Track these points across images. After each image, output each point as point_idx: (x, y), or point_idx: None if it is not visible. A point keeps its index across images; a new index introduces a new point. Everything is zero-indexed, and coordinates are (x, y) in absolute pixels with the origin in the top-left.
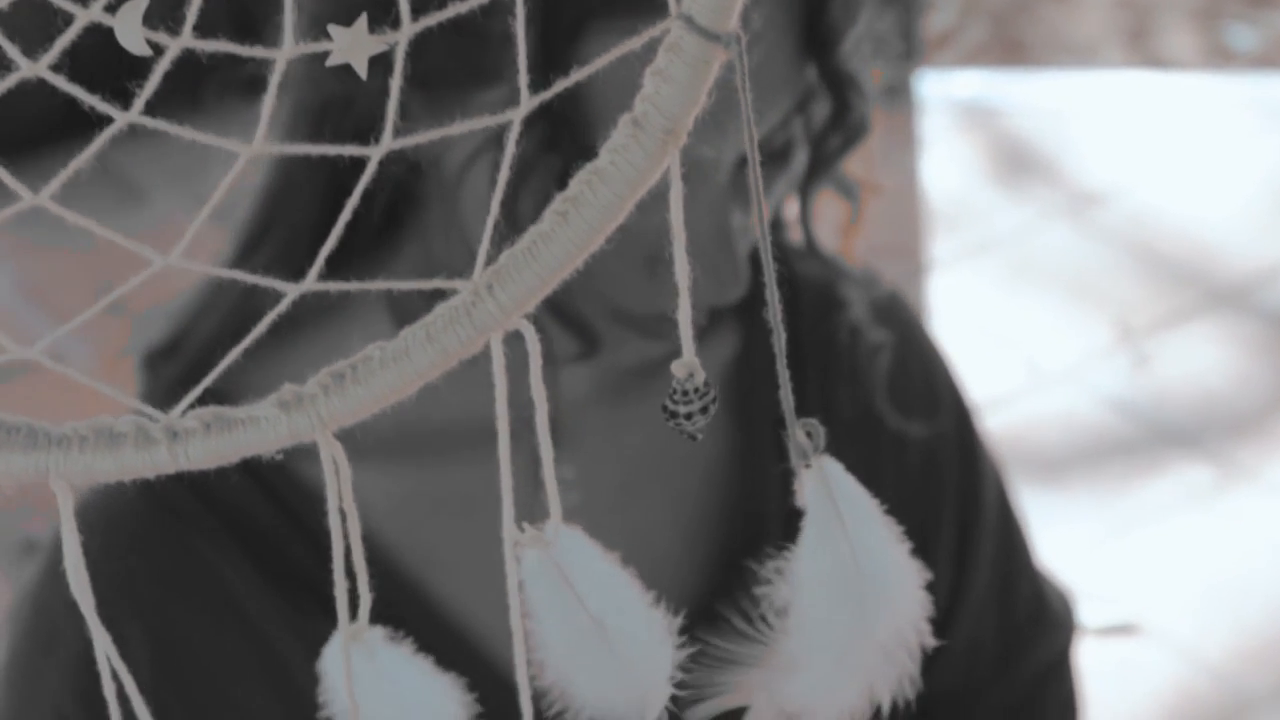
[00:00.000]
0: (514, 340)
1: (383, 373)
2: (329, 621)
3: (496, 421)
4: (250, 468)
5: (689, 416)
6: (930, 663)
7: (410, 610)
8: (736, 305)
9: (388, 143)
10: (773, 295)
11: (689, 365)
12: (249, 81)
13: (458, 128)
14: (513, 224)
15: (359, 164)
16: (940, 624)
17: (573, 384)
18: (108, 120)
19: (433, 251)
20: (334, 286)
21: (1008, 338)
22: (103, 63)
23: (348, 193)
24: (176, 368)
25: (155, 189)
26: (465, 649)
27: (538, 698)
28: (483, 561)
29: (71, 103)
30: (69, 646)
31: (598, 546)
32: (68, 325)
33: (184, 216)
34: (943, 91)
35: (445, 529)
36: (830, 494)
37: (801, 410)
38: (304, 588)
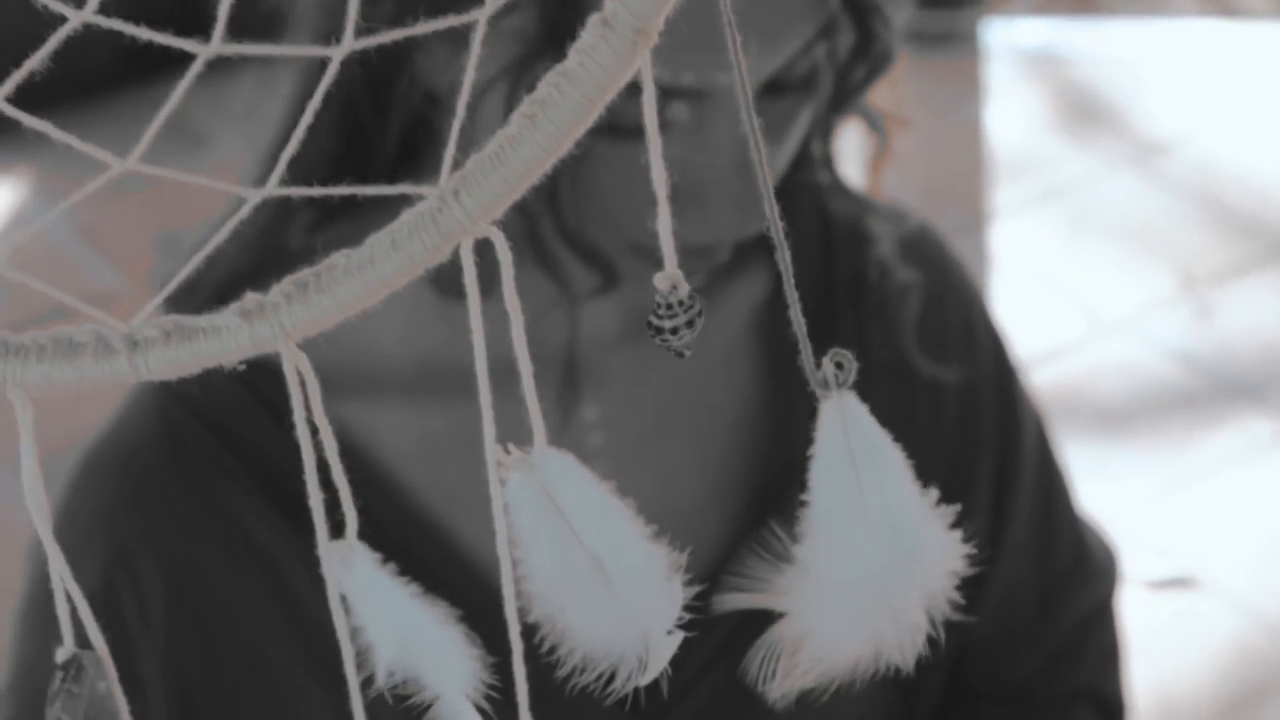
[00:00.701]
0: (531, 280)
1: (347, 281)
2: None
3: (472, 335)
4: (264, 401)
5: (675, 331)
6: (967, 611)
7: (436, 553)
8: (767, 244)
9: (348, 44)
10: (773, 213)
11: (671, 277)
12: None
13: (421, 29)
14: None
15: (377, 97)
16: (978, 572)
17: (597, 323)
18: (154, 66)
19: None
20: (295, 192)
21: (1069, 288)
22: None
23: (365, 126)
24: (194, 304)
25: (216, 133)
26: (491, 592)
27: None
28: None
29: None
30: (84, 581)
31: (589, 473)
32: None
33: (244, 158)
34: (1009, 39)
35: (471, 471)
36: (845, 431)
37: (835, 347)
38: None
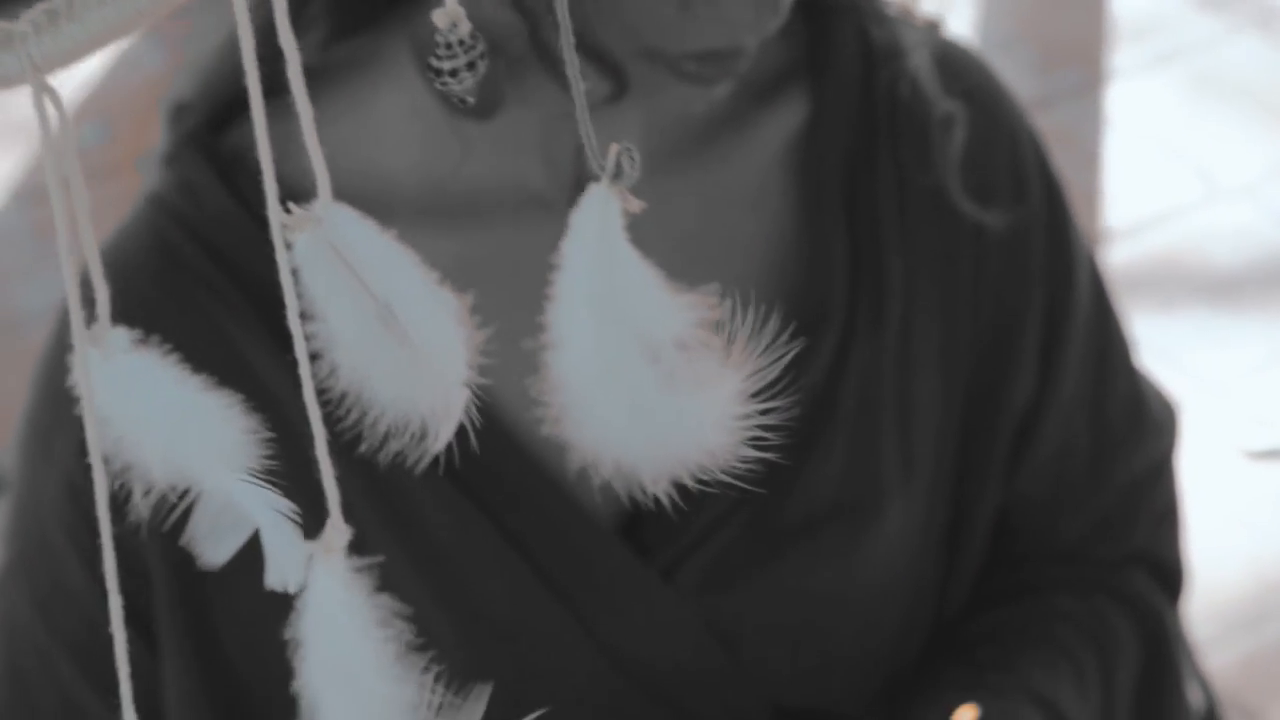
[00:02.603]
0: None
1: (100, 9)
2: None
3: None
4: (264, 223)
5: (454, 73)
6: (1018, 466)
7: None
8: (806, 68)
9: None
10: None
11: (451, 14)
12: None
13: None
14: None
15: None
16: (1029, 425)
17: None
18: None
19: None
20: None
21: (1186, 151)
22: None
23: None
24: (193, 122)
25: None
26: (491, 417)
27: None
28: (512, 324)
29: None
30: (79, 417)
31: (374, 224)
32: None
33: None
34: None
35: (480, 297)
36: (601, 228)
37: (874, 182)
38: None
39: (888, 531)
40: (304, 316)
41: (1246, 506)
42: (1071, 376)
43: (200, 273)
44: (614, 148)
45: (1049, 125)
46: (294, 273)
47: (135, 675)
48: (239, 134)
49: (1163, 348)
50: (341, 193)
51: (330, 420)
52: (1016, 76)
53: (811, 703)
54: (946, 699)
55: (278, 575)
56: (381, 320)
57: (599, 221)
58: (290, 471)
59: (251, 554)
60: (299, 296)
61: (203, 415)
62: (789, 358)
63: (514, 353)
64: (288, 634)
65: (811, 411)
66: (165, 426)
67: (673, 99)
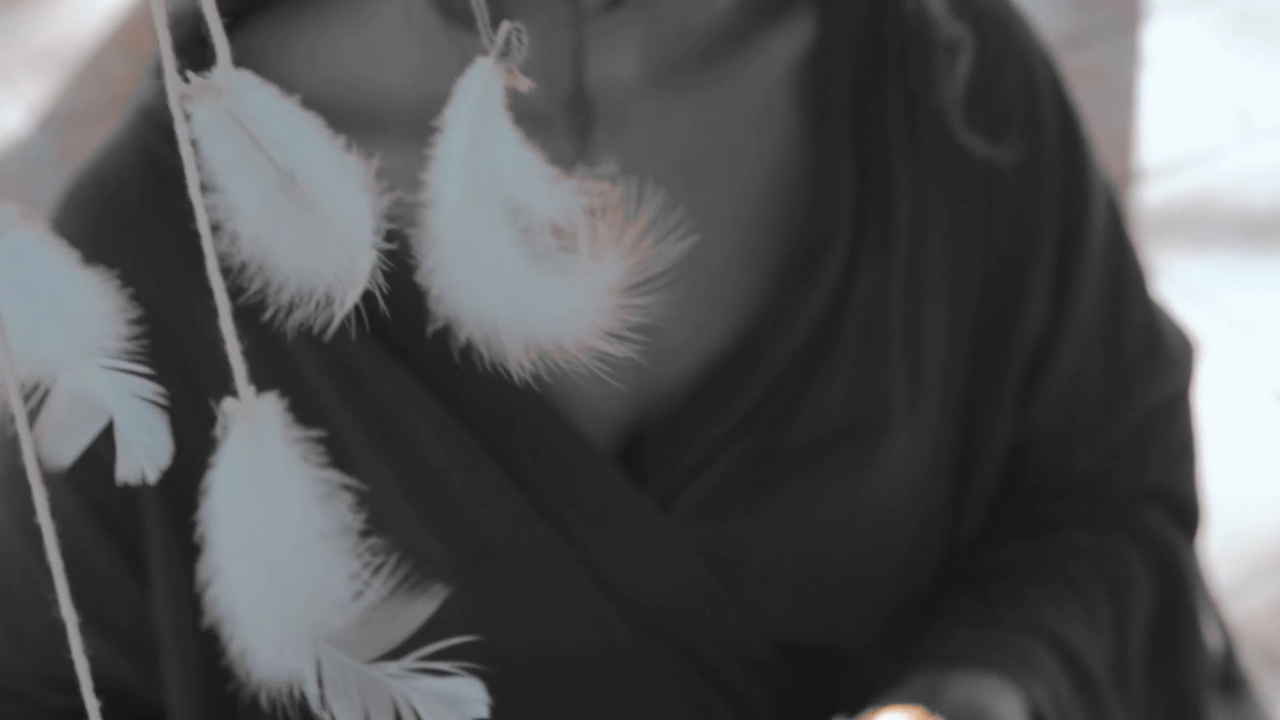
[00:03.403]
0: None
1: None
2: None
3: None
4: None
5: None
6: (1030, 397)
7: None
8: None
9: None
10: None
11: None
12: None
13: None
14: None
15: None
16: (1041, 355)
17: (611, 58)
18: None
19: None
20: None
21: (1224, 90)
22: None
23: None
24: (184, 31)
25: None
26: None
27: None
28: None
29: None
30: None
31: (273, 89)
32: None
33: None
34: None
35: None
36: (486, 99)
37: (882, 105)
38: (219, 223)
39: (894, 460)
40: (205, 188)
41: (1277, 448)
42: (1085, 307)
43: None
44: (505, 25)
45: (1086, 62)
46: (194, 144)
47: (124, 606)
48: (242, 49)
49: (1195, 287)
50: (335, 107)
51: (235, 291)
52: (1054, 13)
53: (814, 638)
54: (955, 634)
55: (131, 468)
56: (285, 188)
57: (480, 95)
58: (283, 391)
59: None
60: (199, 169)
61: (69, 296)
62: (665, 252)
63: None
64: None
65: (816, 335)
66: (28, 309)
67: (673, 8)
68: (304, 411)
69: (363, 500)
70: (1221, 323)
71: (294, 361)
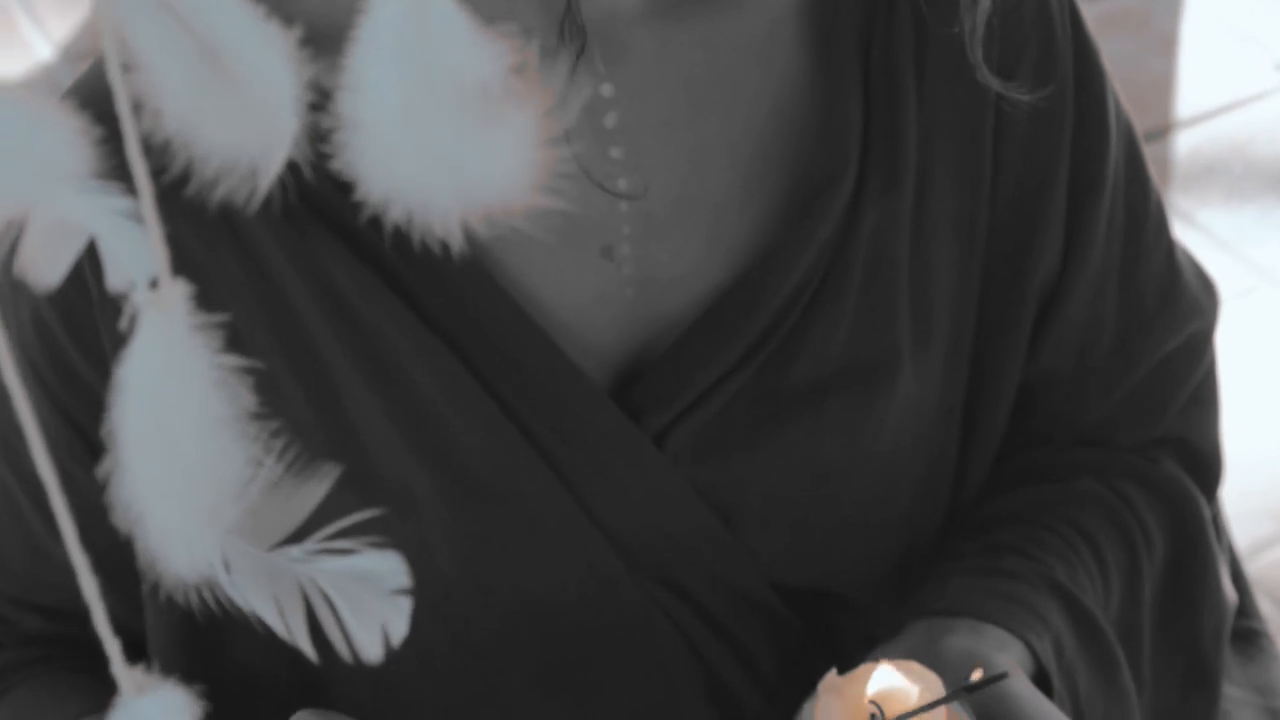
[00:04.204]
0: None
1: None
2: (330, 243)
3: None
4: None
5: None
6: (1042, 339)
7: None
8: None
9: None
10: None
11: None
12: None
13: None
14: None
15: None
16: (1054, 297)
17: None
18: None
19: None
20: None
21: (1262, 39)
22: None
23: None
24: None
25: None
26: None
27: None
28: None
29: None
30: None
31: None
32: None
33: None
34: None
35: None
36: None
37: (891, 37)
38: (300, 201)
39: (897, 403)
40: (127, 68)
41: None
42: (1099, 250)
43: None
44: None
45: (1125, 8)
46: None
47: (101, 528)
48: None
49: (1228, 237)
50: (329, 33)
51: (158, 170)
52: None
53: (815, 583)
54: (957, 583)
55: (119, 277)
56: (206, 61)
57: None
58: (274, 332)
59: None
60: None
61: (34, 134)
62: (579, 98)
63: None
64: (108, 402)
65: (820, 273)
66: None
67: None
68: (290, 339)
69: (352, 429)
70: (1254, 273)
71: (280, 287)
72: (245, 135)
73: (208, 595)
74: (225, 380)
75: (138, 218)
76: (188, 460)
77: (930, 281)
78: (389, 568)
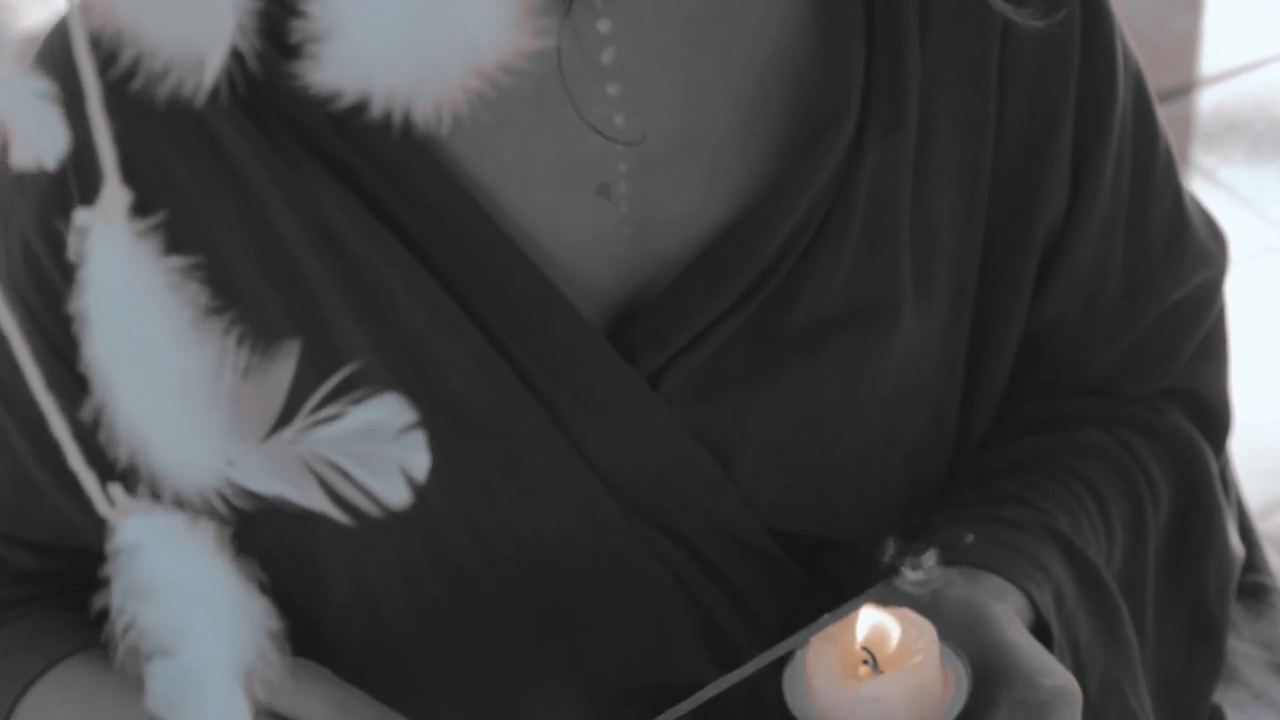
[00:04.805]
0: None
1: None
2: (320, 174)
3: None
4: None
5: None
6: (1048, 286)
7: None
8: None
9: None
10: None
11: None
12: None
13: None
14: None
15: None
16: (1059, 244)
17: None
18: None
19: None
20: None
21: None
22: None
23: None
24: None
25: None
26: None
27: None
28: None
29: None
30: (37, 183)
31: None
32: None
33: None
34: None
35: None
36: None
37: None
38: (290, 133)
39: (899, 347)
40: None
41: None
42: (1106, 195)
43: None
44: None
45: None
46: None
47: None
48: None
49: (1249, 195)
50: None
51: (106, 63)
52: None
53: (815, 530)
54: (961, 532)
55: (26, 156)
56: None
57: None
58: (256, 250)
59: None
60: None
61: None
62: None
63: (498, 137)
64: (73, 309)
65: (820, 214)
66: None
67: None
68: (278, 269)
69: (340, 363)
70: (1274, 232)
71: (268, 216)
72: (191, 26)
73: (219, 505)
74: (178, 281)
75: (50, 98)
76: (163, 367)
77: (932, 226)
78: (388, 410)
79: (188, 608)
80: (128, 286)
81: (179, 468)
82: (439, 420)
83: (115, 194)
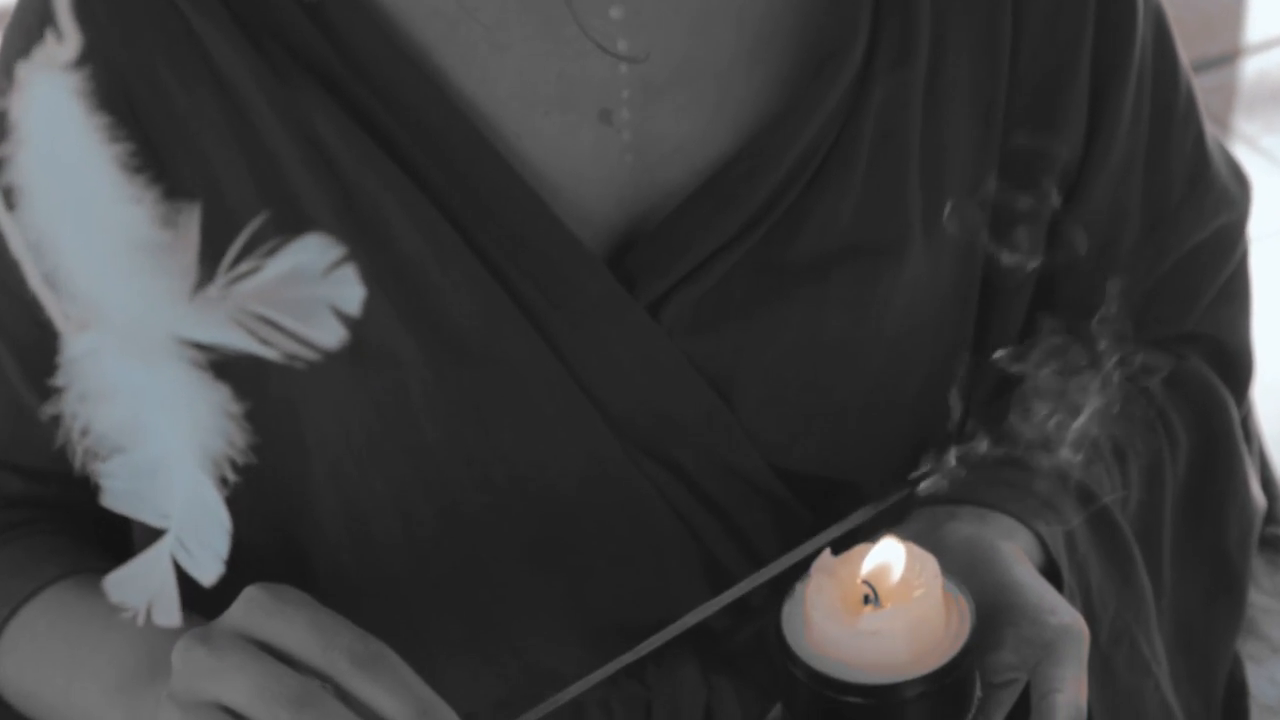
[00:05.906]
0: None
1: None
2: (316, 94)
3: None
4: None
5: None
6: (1064, 225)
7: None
8: None
9: None
10: None
11: None
12: None
13: None
14: None
15: None
16: (1075, 182)
17: None
18: None
19: None
20: None
21: None
22: None
23: None
24: None
25: None
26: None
27: None
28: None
29: None
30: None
31: None
32: None
33: None
34: None
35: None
36: None
37: None
38: (285, 50)
39: (907, 282)
40: None
41: None
42: (1124, 134)
43: None
44: None
45: None
46: None
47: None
48: None
49: None
50: None
51: None
52: None
53: (820, 469)
54: (965, 473)
55: None
56: None
57: None
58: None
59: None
60: None
61: None
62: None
63: (498, 60)
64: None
65: (827, 144)
66: None
67: None
68: (272, 188)
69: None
70: None
71: (262, 135)
72: None
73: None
74: (102, 135)
75: None
76: (102, 221)
77: (944, 161)
78: (311, 251)
79: (144, 402)
80: (69, 142)
81: (130, 324)
82: (434, 346)
83: (68, 39)
